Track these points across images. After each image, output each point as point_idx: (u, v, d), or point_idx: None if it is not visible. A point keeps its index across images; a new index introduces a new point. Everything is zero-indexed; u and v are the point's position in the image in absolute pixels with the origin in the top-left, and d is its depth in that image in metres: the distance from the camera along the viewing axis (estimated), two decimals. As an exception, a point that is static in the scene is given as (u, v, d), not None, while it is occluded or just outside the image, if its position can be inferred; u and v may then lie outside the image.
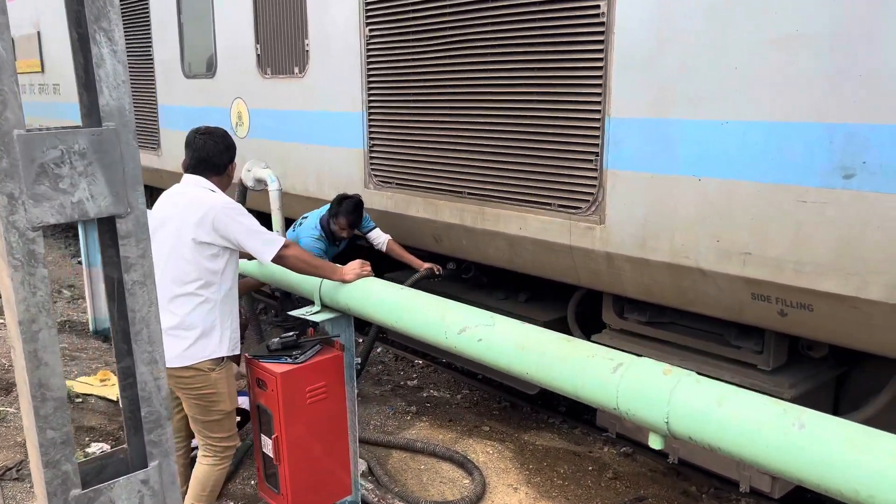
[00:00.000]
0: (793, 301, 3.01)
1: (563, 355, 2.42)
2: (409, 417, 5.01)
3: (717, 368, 3.62)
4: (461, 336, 2.73)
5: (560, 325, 4.48)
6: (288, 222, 5.06)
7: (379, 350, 6.35)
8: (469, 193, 4.37)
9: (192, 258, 2.98)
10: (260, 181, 4.28)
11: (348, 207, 4.56)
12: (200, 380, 3.03)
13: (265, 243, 3.00)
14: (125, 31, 7.66)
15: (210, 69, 6.52)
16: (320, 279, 3.28)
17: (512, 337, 2.60)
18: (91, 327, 6.35)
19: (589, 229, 3.73)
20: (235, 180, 4.05)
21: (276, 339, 3.18)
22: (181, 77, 6.94)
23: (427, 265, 4.75)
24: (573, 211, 3.80)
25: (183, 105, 6.99)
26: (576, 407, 5.49)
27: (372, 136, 4.97)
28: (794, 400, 3.06)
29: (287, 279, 3.55)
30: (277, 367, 3.08)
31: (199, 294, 2.99)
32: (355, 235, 4.85)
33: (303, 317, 3.29)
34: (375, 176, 5.02)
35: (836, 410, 3.77)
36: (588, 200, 3.72)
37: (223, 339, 3.07)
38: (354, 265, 3.26)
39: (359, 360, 3.91)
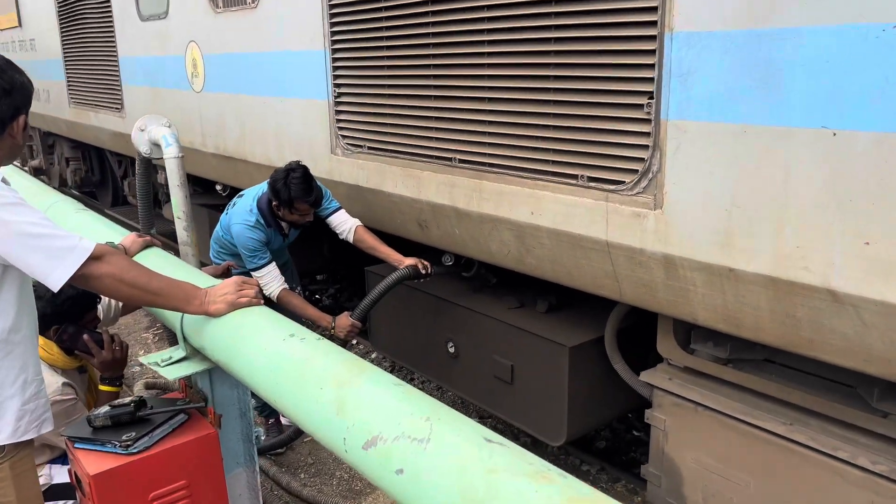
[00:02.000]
0: None
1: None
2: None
3: (845, 442, 2.21)
4: (368, 455, 1.39)
5: (596, 351, 3.11)
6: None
7: (374, 356, 5.09)
8: (461, 161, 3.00)
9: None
10: (157, 145, 3.02)
11: (296, 183, 3.23)
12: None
13: (53, 256, 1.70)
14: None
15: (163, 7, 5.24)
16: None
17: (458, 470, 1.24)
18: None
19: (637, 217, 2.33)
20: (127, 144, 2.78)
21: (104, 410, 1.91)
22: (137, 20, 5.68)
23: (409, 261, 3.42)
24: (612, 187, 2.40)
25: (141, 55, 5.75)
26: (617, 446, 4.11)
27: (338, 83, 3.62)
28: None
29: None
30: (96, 461, 1.82)
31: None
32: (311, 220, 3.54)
33: (153, 367, 2.01)
34: (344, 138, 3.68)
35: None
36: (635, 171, 2.32)
37: (5, 415, 1.82)
38: (228, 285, 1.94)
39: (261, 431, 2.61)
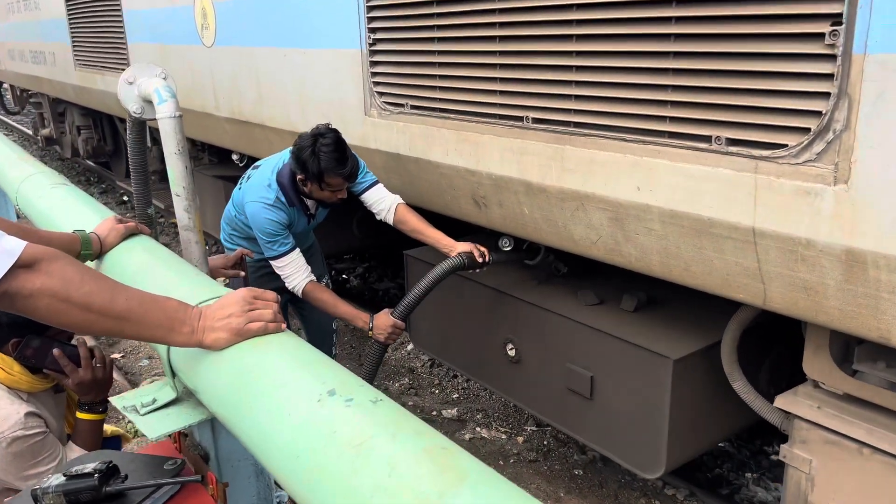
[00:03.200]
0: None
1: None
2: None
3: None
4: None
5: (704, 364, 2.45)
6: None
7: (409, 348, 4.48)
8: (536, 121, 2.33)
9: None
10: (149, 102, 2.38)
11: (327, 152, 2.58)
12: None
13: None
14: None
15: (168, -50, 4.58)
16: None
17: None
18: None
19: (804, 194, 1.66)
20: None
21: (55, 481, 1.30)
22: (140, -33, 5.03)
23: (462, 246, 2.77)
24: (765, 153, 1.73)
25: (145, 7, 5.10)
26: (709, 465, 3.47)
27: (374, 27, 2.95)
28: None
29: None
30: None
31: None
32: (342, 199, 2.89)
33: (129, 415, 1.39)
34: (380, 95, 3.02)
35: None
36: (804, 129, 1.64)
37: None
38: (232, 303, 1.28)
39: (285, 496, 2.00)
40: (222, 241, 3.11)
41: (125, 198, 8.78)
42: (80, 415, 2.04)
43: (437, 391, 4.02)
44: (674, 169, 1.93)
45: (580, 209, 2.25)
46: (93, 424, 2.04)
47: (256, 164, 2.95)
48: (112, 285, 1.18)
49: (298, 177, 2.67)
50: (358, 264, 6.55)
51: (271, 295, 1.29)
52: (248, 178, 2.86)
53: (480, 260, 2.76)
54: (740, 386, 2.32)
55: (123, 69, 5.74)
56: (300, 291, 2.76)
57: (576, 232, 2.33)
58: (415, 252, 3.51)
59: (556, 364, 2.81)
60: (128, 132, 2.42)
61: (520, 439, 3.53)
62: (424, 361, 4.36)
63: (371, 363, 2.78)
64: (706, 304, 2.67)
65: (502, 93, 2.44)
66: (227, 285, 2.29)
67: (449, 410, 3.75)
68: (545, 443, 3.51)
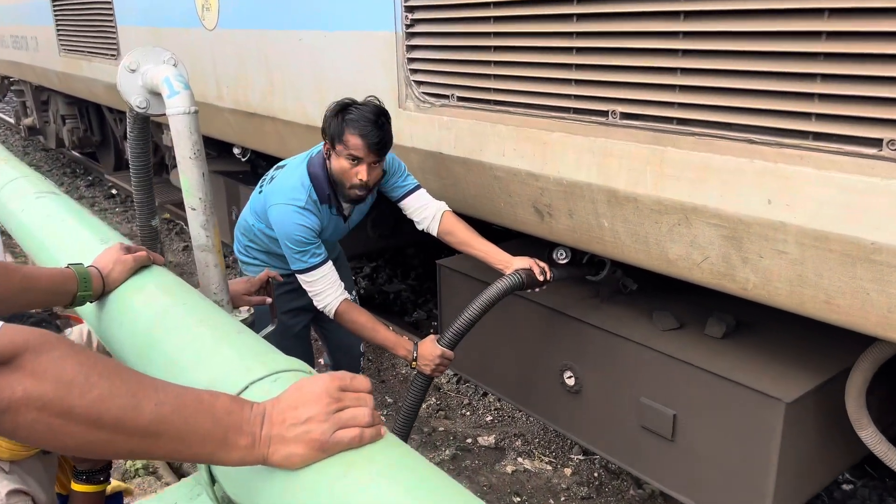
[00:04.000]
0: None
1: None
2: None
3: None
4: None
5: (817, 405, 2.07)
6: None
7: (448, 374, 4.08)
8: (625, 116, 1.93)
9: None
10: (156, 94, 1.95)
11: (358, 107, 2.19)
12: None
13: None
14: None
15: (163, -78, 4.12)
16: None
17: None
18: None
19: None
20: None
21: None
22: (131, -58, 4.57)
23: (519, 262, 2.37)
24: (966, 163, 1.34)
25: (137, -13, 4.64)
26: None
27: (412, 6, 2.53)
28: None
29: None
30: None
31: None
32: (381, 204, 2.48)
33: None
34: (419, 84, 2.61)
35: None
36: None
37: None
38: (313, 400, 0.83)
39: None
40: (236, 252, 2.70)
41: (114, 191, 8.31)
42: (76, 486, 1.64)
43: (467, 412, 3.63)
44: (823, 179, 1.54)
45: (682, 224, 1.86)
46: (92, 498, 1.64)
47: (280, 163, 2.53)
48: (134, 383, 0.77)
49: (325, 146, 2.27)
50: (365, 264, 6.14)
51: (363, 383, 0.88)
52: (272, 178, 2.44)
53: (541, 278, 2.37)
54: (869, 435, 1.94)
55: (112, 55, 5.29)
56: (332, 312, 2.35)
57: (673, 250, 1.94)
58: (449, 262, 3.11)
59: (627, 398, 2.43)
60: (128, 129, 1.99)
61: (567, 471, 3.15)
62: (450, 377, 3.97)
63: (413, 399, 2.38)
64: (806, 330, 2.30)
65: (580, 82, 2.04)
66: (246, 320, 1.89)
67: (485, 437, 3.37)
68: (595, 475, 3.14)
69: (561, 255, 2.61)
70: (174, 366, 1.09)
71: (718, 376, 2.13)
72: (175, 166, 6.13)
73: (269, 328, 2.08)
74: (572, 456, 3.26)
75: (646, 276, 2.57)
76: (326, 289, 2.34)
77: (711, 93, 1.73)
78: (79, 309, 1.39)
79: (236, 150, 4.68)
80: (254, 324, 1.93)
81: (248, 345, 1.08)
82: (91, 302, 1.34)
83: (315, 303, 2.38)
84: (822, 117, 1.53)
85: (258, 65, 3.49)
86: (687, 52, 1.76)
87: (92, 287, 1.30)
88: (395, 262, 6.07)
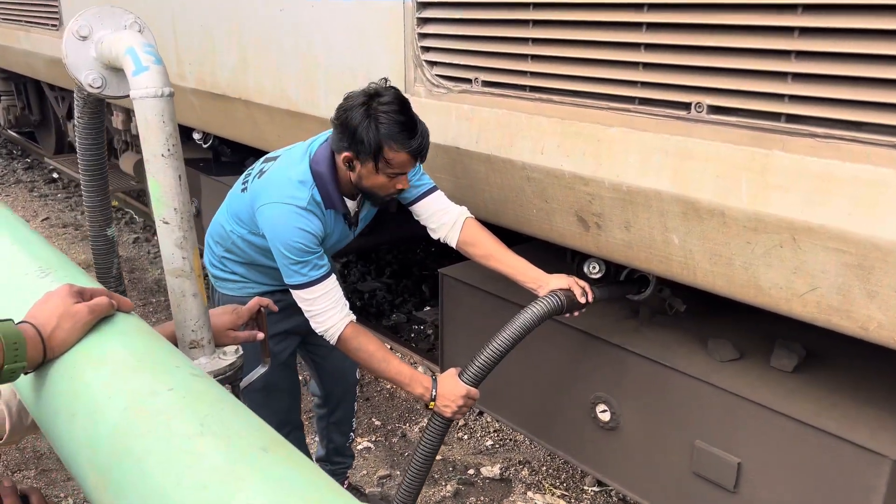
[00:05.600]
0: None
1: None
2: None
3: None
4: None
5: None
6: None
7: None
8: (713, 109, 1.56)
9: None
10: (114, 70, 1.49)
11: (388, 113, 1.76)
12: None
13: None
14: None
15: None
16: None
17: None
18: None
19: None
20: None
21: None
22: None
23: (559, 280, 1.98)
24: None
25: (82, -53, 4.06)
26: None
27: (424, -32, 2.11)
28: None
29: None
30: None
31: None
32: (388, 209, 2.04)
33: None
34: (432, 65, 2.19)
35: None
36: None
37: None
38: None
39: None
40: (206, 265, 2.24)
41: (55, 175, 7.63)
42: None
43: (465, 436, 3.25)
44: None
45: (786, 246, 1.50)
46: None
47: (271, 155, 2.08)
48: None
49: (343, 155, 1.82)
50: (335, 260, 5.68)
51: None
52: (261, 172, 1.98)
53: (582, 300, 1.99)
54: None
55: (53, 26, 4.69)
56: (336, 338, 1.93)
57: (767, 277, 1.57)
58: (453, 271, 2.71)
59: (677, 439, 2.08)
60: (77, 115, 1.53)
61: (584, 505, 2.80)
62: (481, 424, 3.52)
63: (428, 448, 1.98)
64: (885, 363, 1.98)
65: (651, 66, 1.65)
66: (234, 364, 1.46)
67: (488, 468, 2.98)
68: (614, 509, 2.80)
69: (594, 268, 2.23)
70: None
71: (799, 422, 1.79)
72: (126, 150, 5.55)
73: (261, 370, 1.65)
74: (586, 487, 2.91)
75: (693, 296, 2.22)
76: (329, 308, 1.92)
77: (839, 83, 1.36)
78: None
79: (196, 135, 4.18)
80: (242, 367, 1.50)
81: (287, 475, 0.66)
82: (25, 374, 0.90)
83: (314, 325, 1.95)
84: None
85: (228, 38, 3.01)
86: (805, 31, 1.39)
87: (26, 355, 0.86)
88: (367, 258, 5.64)
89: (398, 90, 1.82)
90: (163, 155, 1.30)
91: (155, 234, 6.12)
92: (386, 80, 1.86)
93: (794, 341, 2.05)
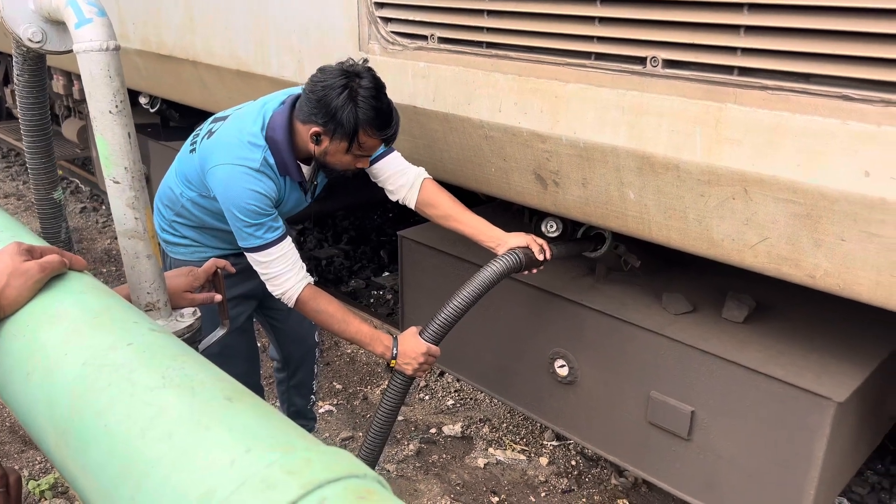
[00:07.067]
0: None
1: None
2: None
3: None
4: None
5: (859, 398, 1.83)
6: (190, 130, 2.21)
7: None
8: (671, 62, 1.57)
9: None
10: (56, 23, 1.42)
11: (367, 97, 1.75)
12: None
13: None
14: None
15: None
16: None
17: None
18: None
19: None
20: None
21: None
22: None
23: (517, 238, 2.00)
24: None
25: None
26: None
27: (377, -78, 2.06)
28: None
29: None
30: None
31: None
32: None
33: None
34: (387, 22, 2.15)
35: None
36: None
37: None
38: None
39: None
40: (157, 229, 2.19)
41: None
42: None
43: (426, 396, 3.28)
44: (947, 147, 1.23)
45: (738, 198, 1.53)
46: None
47: (220, 114, 2.03)
48: None
49: (313, 130, 1.79)
50: (290, 225, 5.62)
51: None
52: (210, 133, 1.93)
53: (541, 257, 2.01)
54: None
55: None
56: (293, 300, 1.92)
57: (719, 229, 1.61)
58: (412, 233, 2.71)
59: (633, 391, 2.14)
60: (16, 73, 1.46)
61: (543, 461, 2.86)
62: (444, 382, 3.54)
63: (391, 406, 1.99)
64: (831, 311, 2.06)
65: (607, 20, 1.65)
66: (192, 326, 1.44)
67: (449, 426, 3.02)
68: (573, 463, 2.87)
69: (551, 227, 2.26)
70: (130, 465, 0.66)
71: (749, 370, 1.86)
72: (69, 116, 5.36)
73: (220, 332, 1.63)
74: (546, 442, 2.98)
75: (648, 251, 2.27)
76: (286, 270, 1.90)
77: (790, 35, 1.39)
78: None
79: (143, 100, 4.06)
80: (200, 329, 1.48)
81: (253, 423, 0.66)
82: (-27, 334, 0.87)
83: (270, 288, 1.93)
84: (949, 68, 1.22)
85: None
86: (757, -16, 1.41)
87: (-26, 315, 0.83)
88: (323, 224, 5.59)
89: (374, 72, 1.81)
90: (110, 112, 1.25)
91: (102, 202, 5.95)
92: (365, 60, 1.84)
93: (744, 293, 2.12)
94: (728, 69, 1.48)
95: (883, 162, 1.30)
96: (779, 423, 1.83)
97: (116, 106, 1.26)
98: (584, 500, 2.68)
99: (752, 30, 1.43)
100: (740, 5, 1.43)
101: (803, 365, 1.84)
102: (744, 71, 1.47)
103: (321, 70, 1.80)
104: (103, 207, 5.72)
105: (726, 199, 1.56)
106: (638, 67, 1.62)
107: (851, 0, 1.29)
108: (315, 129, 1.79)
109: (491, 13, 1.88)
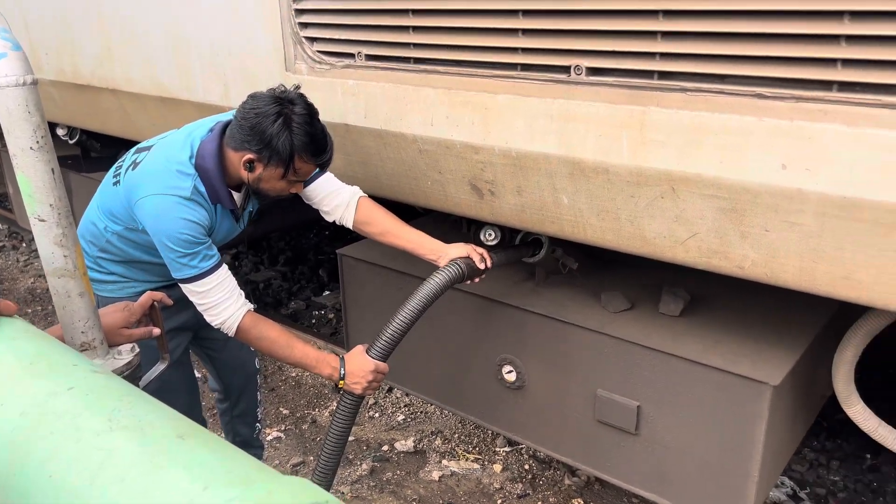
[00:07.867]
0: None
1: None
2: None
3: None
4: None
5: (793, 381, 1.92)
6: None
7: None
8: (592, 71, 1.62)
9: None
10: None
11: (301, 124, 1.74)
12: None
13: None
14: None
15: None
16: None
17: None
18: None
19: None
20: None
21: None
22: None
23: (457, 249, 2.02)
24: None
25: None
26: None
27: (295, -58, 2.05)
28: None
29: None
30: None
31: None
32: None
33: None
34: (313, 42, 2.14)
35: None
36: None
37: None
38: None
39: None
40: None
41: None
42: None
43: (376, 414, 3.25)
44: (854, 138, 1.31)
45: (667, 197, 1.59)
46: None
47: (142, 144, 1.98)
48: None
49: (246, 157, 1.76)
50: (224, 252, 5.50)
51: None
52: (135, 164, 1.88)
53: (482, 266, 2.03)
54: (858, 412, 1.81)
55: None
56: (233, 329, 1.88)
57: (651, 228, 1.67)
58: (352, 250, 2.70)
59: (579, 391, 2.18)
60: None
61: (497, 467, 2.88)
62: (394, 399, 3.51)
63: (341, 428, 1.97)
64: (762, 299, 2.15)
65: (530, 32, 1.69)
66: (131, 363, 1.40)
67: (402, 441, 3.01)
68: (526, 467, 2.89)
69: (490, 235, 2.29)
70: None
71: (688, 360, 1.92)
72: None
73: (161, 367, 1.59)
74: (498, 449, 3.00)
75: (584, 253, 2.32)
76: (224, 299, 1.86)
77: (704, 39, 1.45)
78: None
79: (61, 131, 3.91)
80: (140, 366, 1.44)
81: (208, 460, 0.65)
82: None
83: (209, 318, 1.89)
84: (850, 63, 1.30)
85: (88, 22, 2.82)
86: (671, -9, 1.47)
87: None
88: (258, 247, 5.49)
89: (306, 98, 1.80)
90: (31, 148, 1.21)
91: (22, 240, 5.68)
92: (298, 87, 1.82)
93: (678, 287, 2.19)
94: (649, 74, 1.54)
95: (797, 155, 1.37)
96: (720, 411, 1.89)
97: (38, 142, 1.21)
98: (539, 502, 2.71)
99: (668, 35, 1.49)
100: (655, 12, 1.49)
101: (739, 352, 1.92)
102: (663, 75, 1.52)
103: (252, 97, 1.78)
104: (23, 245, 5.48)
105: (655, 198, 1.61)
106: (563, 76, 1.66)
107: (760, 3, 1.36)
108: (249, 155, 1.76)
109: (416, 29, 1.90)
